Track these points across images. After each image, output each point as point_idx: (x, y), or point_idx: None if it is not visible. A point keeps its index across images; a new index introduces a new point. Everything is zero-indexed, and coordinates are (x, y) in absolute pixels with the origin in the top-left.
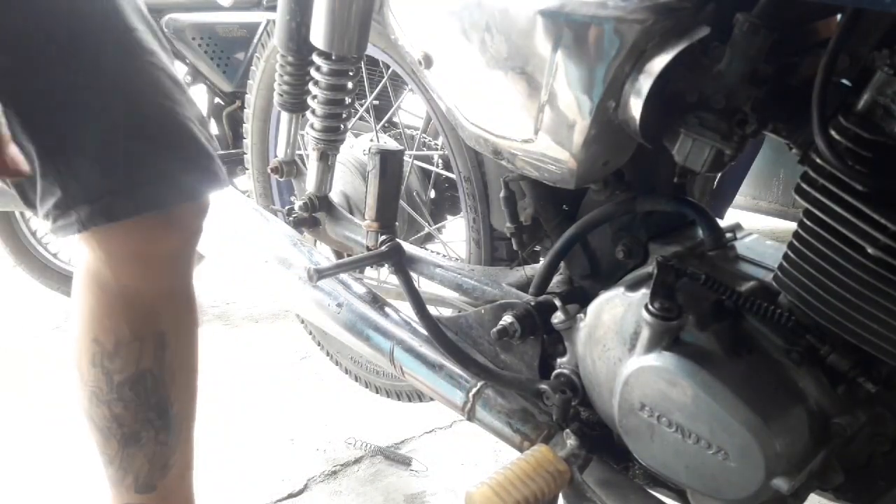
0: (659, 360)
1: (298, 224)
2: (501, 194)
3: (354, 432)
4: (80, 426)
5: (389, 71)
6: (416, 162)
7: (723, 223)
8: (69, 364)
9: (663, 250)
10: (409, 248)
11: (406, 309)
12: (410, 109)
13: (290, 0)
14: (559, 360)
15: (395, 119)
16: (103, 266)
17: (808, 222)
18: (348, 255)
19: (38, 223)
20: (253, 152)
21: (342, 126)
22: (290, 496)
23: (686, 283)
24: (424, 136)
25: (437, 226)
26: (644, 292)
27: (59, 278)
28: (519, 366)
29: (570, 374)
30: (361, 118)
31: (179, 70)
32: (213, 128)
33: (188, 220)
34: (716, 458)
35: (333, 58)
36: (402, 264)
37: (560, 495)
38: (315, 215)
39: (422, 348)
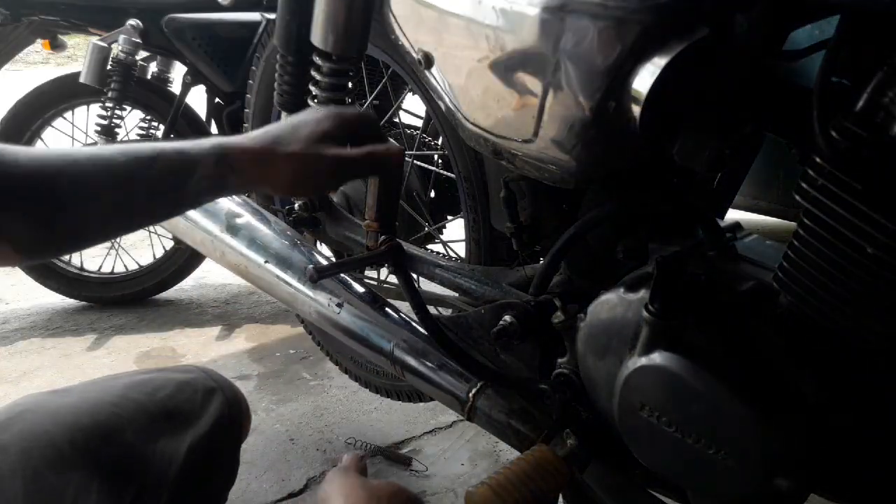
0: (659, 360)
1: (298, 224)
2: (501, 194)
3: (354, 432)
4: None
5: (389, 71)
6: (416, 162)
7: (723, 223)
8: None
9: (663, 250)
10: (409, 248)
11: (406, 309)
12: (411, 109)
13: (290, 0)
14: (559, 360)
15: (396, 119)
16: None
17: (808, 222)
18: (348, 255)
19: None
20: None
21: None
22: (291, 496)
23: (686, 283)
24: (424, 136)
25: (436, 226)
26: (644, 292)
27: (60, 279)
28: (519, 366)
29: (570, 374)
30: None
31: (179, 70)
32: (213, 128)
33: None
34: (716, 458)
35: (333, 58)
36: (401, 264)
37: (560, 495)
38: (315, 215)
39: (422, 348)
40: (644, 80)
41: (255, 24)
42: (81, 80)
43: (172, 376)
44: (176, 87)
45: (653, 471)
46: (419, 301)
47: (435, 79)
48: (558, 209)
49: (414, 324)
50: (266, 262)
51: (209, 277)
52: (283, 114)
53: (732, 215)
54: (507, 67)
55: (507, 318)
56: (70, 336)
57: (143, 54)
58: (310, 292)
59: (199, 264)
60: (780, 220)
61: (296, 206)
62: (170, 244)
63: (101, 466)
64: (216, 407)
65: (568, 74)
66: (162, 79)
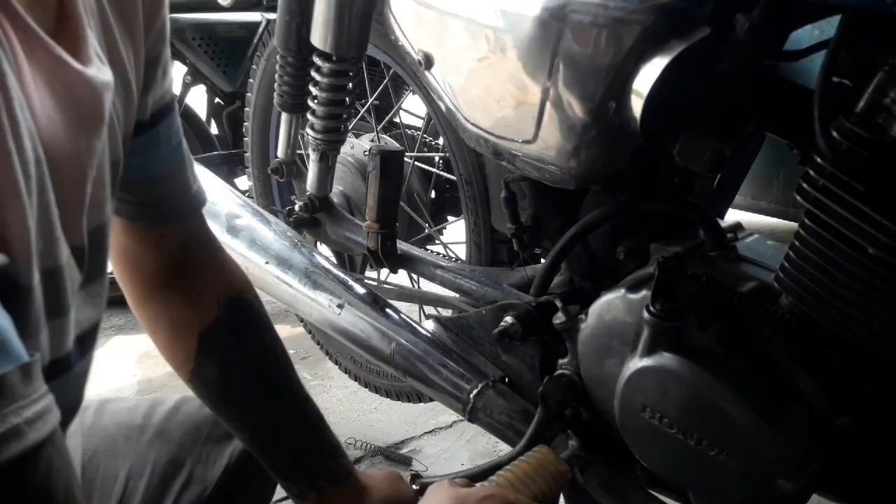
0: (660, 361)
1: (299, 225)
2: (502, 195)
3: (354, 432)
4: None
5: (391, 72)
6: (416, 163)
7: (723, 223)
8: None
9: (664, 251)
10: (409, 249)
11: (406, 309)
12: (411, 110)
13: (290, 0)
14: (560, 361)
15: (396, 120)
16: None
17: (809, 223)
18: (349, 256)
19: None
20: (253, 152)
21: (342, 127)
22: None
23: (687, 284)
24: (425, 136)
25: (437, 227)
26: (645, 293)
27: None
28: (520, 366)
29: (571, 375)
30: (362, 119)
31: (179, 70)
32: (213, 128)
33: None
34: (717, 459)
35: (333, 58)
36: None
37: (561, 496)
38: (316, 216)
39: (422, 349)
40: (644, 80)
41: (255, 24)
42: None
43: None
44: (176, 87)
45: (654, 471)
46: None
47: (435, 79)
48: (559, 210)
49: (414, 325)
50: (266, 262)
51: None
52: (283, 117)
53: (732, 215)
54: (507, 68)
55: (509, 319)
56: None
57: None
58: (310, 293)
59: None
60: (780, 220)
61: (296, 206)
62: None
63: (159, 457)
64: None
65: (568, 75)
66: None
